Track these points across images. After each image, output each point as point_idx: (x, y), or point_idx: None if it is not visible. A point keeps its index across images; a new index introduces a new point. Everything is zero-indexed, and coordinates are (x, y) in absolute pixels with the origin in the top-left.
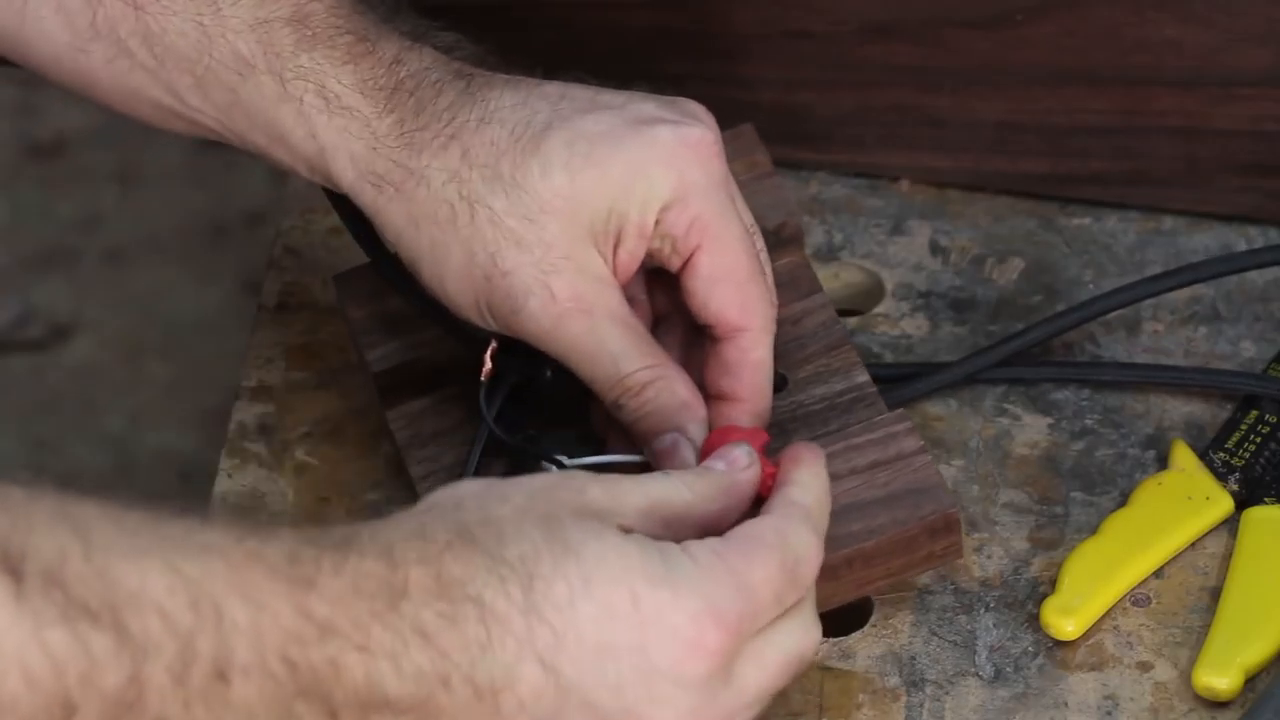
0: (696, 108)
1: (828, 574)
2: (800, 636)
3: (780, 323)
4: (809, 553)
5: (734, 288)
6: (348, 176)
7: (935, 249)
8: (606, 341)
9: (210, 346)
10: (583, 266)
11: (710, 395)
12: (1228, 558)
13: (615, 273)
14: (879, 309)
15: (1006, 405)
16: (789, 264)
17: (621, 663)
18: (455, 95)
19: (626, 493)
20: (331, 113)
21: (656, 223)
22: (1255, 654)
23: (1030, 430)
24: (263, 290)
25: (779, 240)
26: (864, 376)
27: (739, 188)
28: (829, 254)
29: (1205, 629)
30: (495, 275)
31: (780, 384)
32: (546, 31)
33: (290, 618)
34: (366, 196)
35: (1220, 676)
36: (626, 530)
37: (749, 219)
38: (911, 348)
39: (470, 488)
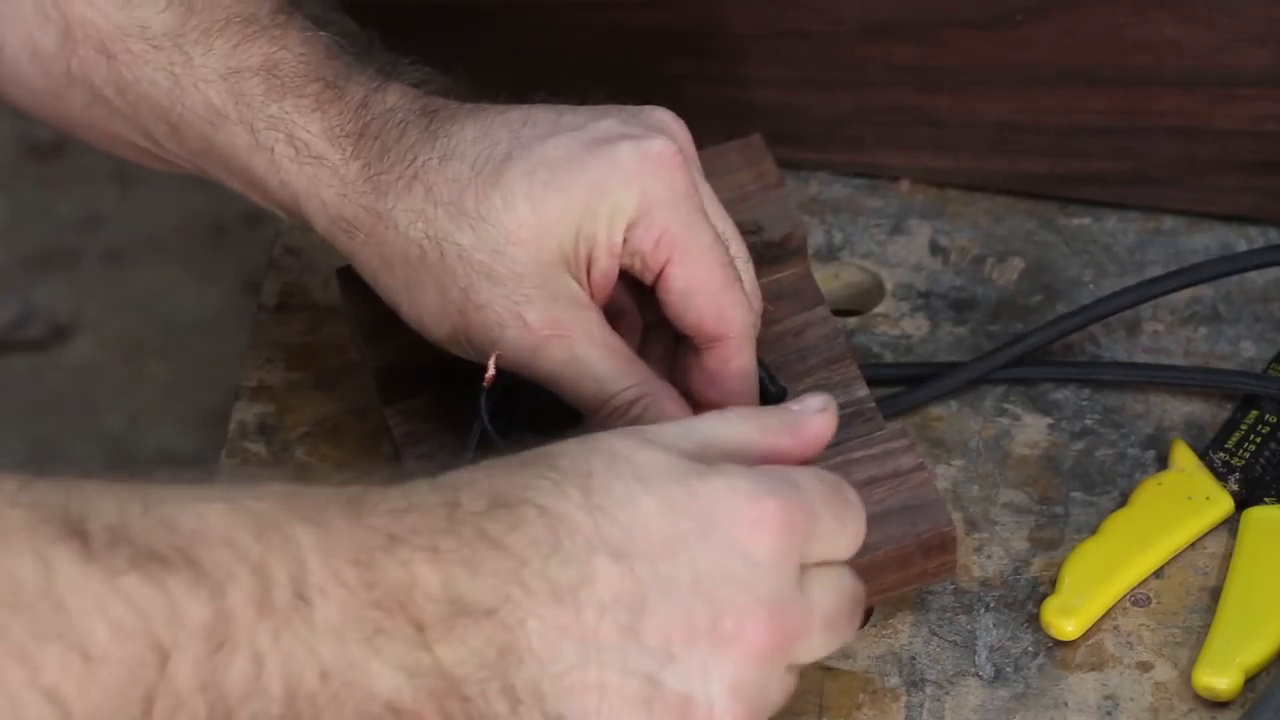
0: (663, 117)
1: None
2: (856, 582)
3: (782, 335)
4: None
5: (707, 298)
6: (320, 223)
7: (935, 249)
8: (588, 365)
9: (210, 346)
10: (556, 293)
11: (698, 404)
12: (1228, 558)
13: (592, 293)
14: (879, 309)
15: (1006, 405)
16: (793, 275)
17: (693, 550)
18: (418, 134)
19: (676, 436)
20: (301, 162)
21: (625, 240)
22: (1255, 654)
23: (1030, 430)
24: (263, 290)
25: (784, 251)
26: (864, 391)
27: (747, 197)
28: (829, 254)
29: (1205, 629)
30: (470, 310)
31: (780, 395)
32: (546, 32)
33: (355, 533)
34: (340, 242)
35: (1220, 676)
36: None
37: (723, 225)
38: (911, 348)
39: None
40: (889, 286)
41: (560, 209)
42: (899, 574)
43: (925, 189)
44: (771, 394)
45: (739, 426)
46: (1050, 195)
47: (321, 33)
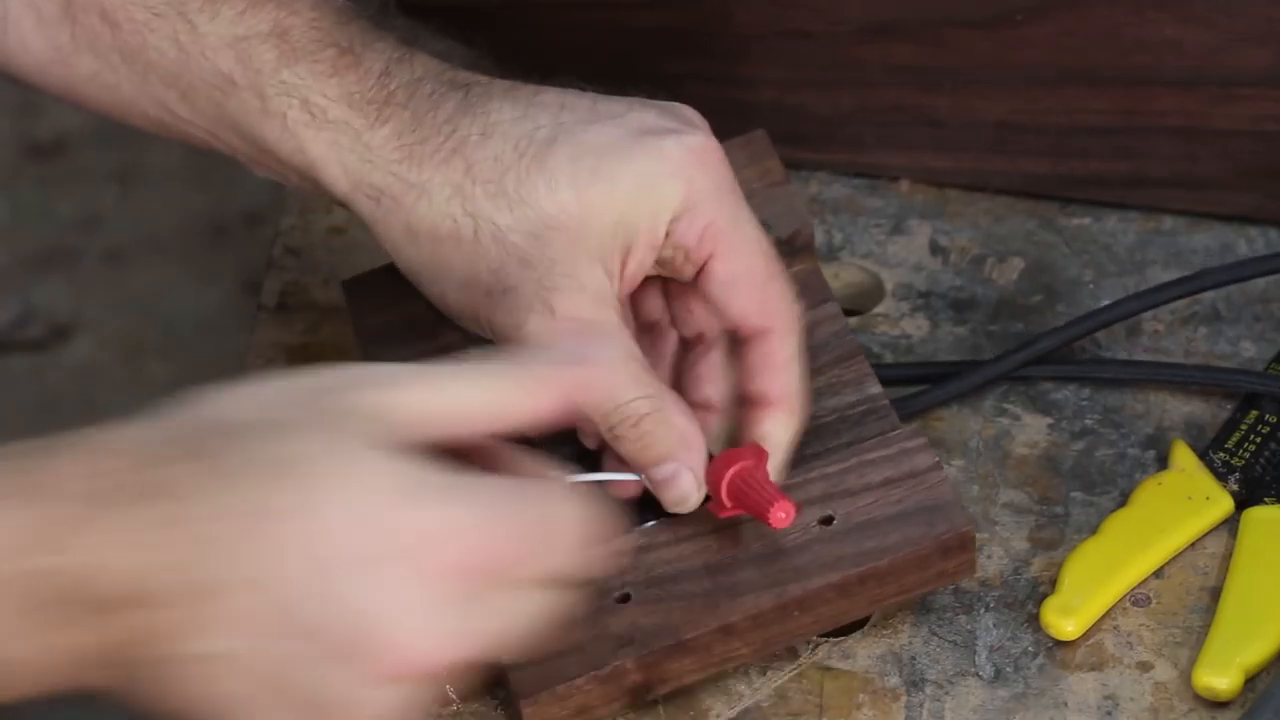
0: (692, 114)
1: (840, 591)
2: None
3: None
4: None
5: (754, 290)
6: (341, 187)
7: (935, 249)
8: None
9: (210, 346)
10: (584, 284)
11: (742, 400)
12: (1228, 558)
13: (622, 284)
14: (879, 309)
15: (1006, 405)
16: (801, 272)
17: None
18: (454, 107)
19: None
20: (319, 126)
21: (667, 234)
22: (1255, 654)
23: (1030, 430)
24: (263, 290)
25: (792, 248)
26: (876, 388)
27: (751, 195)
28: (829, 254)
29: (1205, 629)
30: (497, 291)
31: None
32: (546, 32)
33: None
34: (363, 207)
35: (1220, 676)
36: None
37: (756, 221)
38: (911, 348)
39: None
40: (889, 286)
41: (605, 197)
42: (919, 574)
43: (925, 189)
44: None
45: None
46: (1050, 195)
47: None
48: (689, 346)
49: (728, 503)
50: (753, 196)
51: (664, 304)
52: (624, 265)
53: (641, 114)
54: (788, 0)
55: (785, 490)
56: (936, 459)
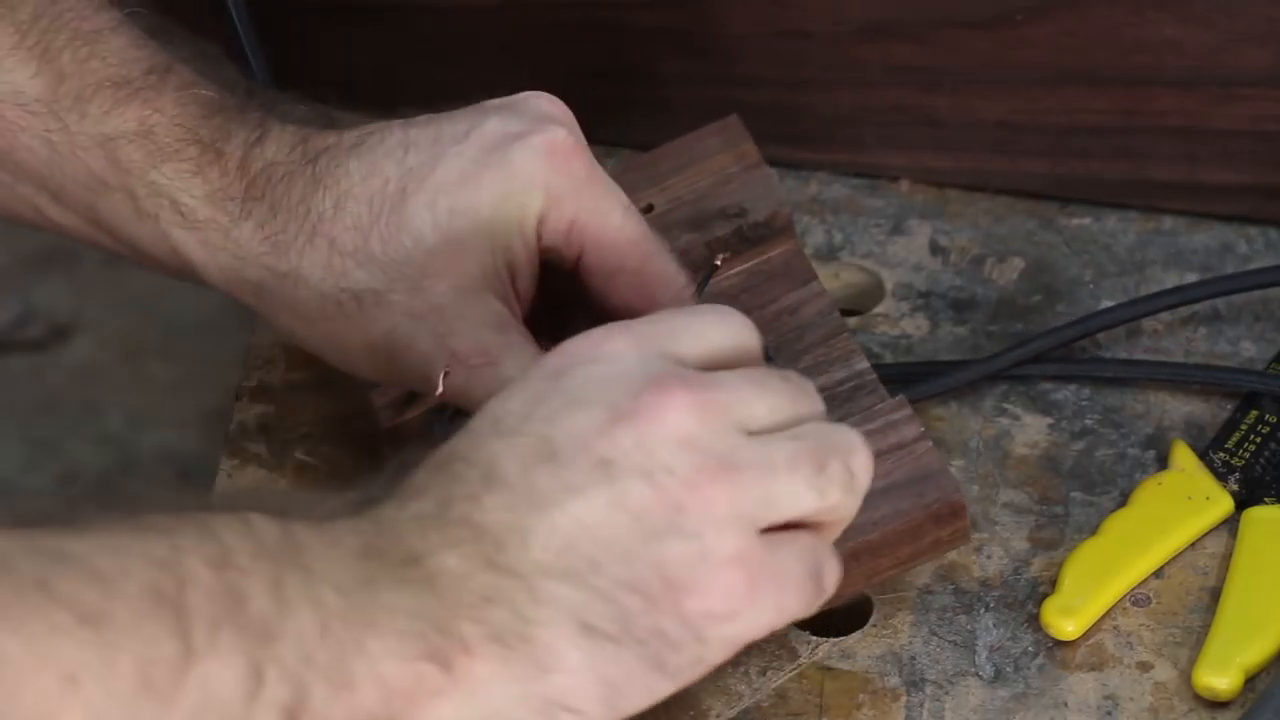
0: (540, 103)
1: None
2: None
3: (778, 314)
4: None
5: (628, 277)
6: (220, 286)
7: (935, 249)
8: None
9: (210, 346)
10: (480, 319)
11: None
12: (1228, 558)
13: (519, 298)
14: (879, 309)
15: (1006, 405)
16: (783, 253)
17: (554, 385)
18: (305, 185)
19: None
20: (189, 227)
21: (539, 237)
22: (1255, 654)
23: (1030, 430)
24: None
25: (770, 230)
26: (863, 363)
27: (728, 179)
28: (829, 254)
29: (1205, 629)
30: (397, 352)
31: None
32: (546, 32)
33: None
34: (247, 301)
35: (1220, 676)
36: None
37: (624, 203)
38: (911, 348)
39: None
40: (889, 286)
41: (470, 231)
42: (912, 545)
43: (925, 189)
44: None
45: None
46: (1050, 195)
47: (198, 90)
48: None
49: None
50: (730, 181)
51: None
52: (514, 285)
53: (483, 126)
54: (787, 0)
55: None
56: (922, 429)
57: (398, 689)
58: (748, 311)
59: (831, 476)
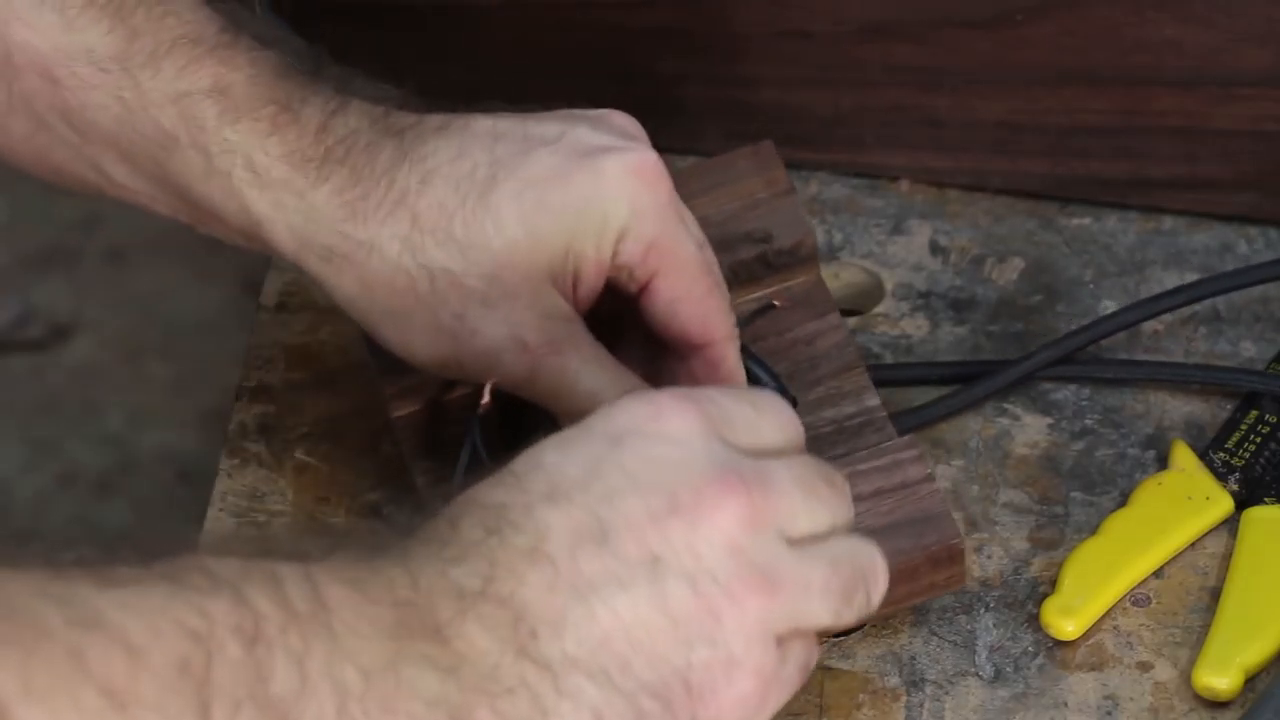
0: (626, 121)
1: None
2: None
3: (794, 343)
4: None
5: (693, 305)
6: (288, 248)
7: (935, 249)
8: (582, 379)
9: (210, 346)
10: (549, 311)
11: None
12: (1228, 558)
13: (577, 307)
14: (879, 309)
15: (1006, 405)
16: (804, 283)
17: (613, 460)
18: (390, 156)
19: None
20: (263, 186)
21: (614, 254)
22: (1255, 654)
23: (1030, 430)
24: (263, 290)
25: (795, 258)
26: (874, 400)
27: (757, 204)
28: (829, 254)
29: (1205, 629)
30: (463, 335)
31: (791, 404)
32: (545, 32)
33: (349, 566)
34: (313, 266)
35: (1220, 676)
36: None
37: (698, 233)
38: (911, 348)
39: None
40: (889, 286)
41: (550, 228)
42: (908, 586)
43: (925, 189)
44: None
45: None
46: (1050, 195)
47: (270, 52)
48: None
49: None
50: (758, 206)
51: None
52: (575, 291)
53: (576, 132)
54: (787, 0)
55: None
56: (929, 471)
57: None
58: (764, 338)
59: (854, 603)
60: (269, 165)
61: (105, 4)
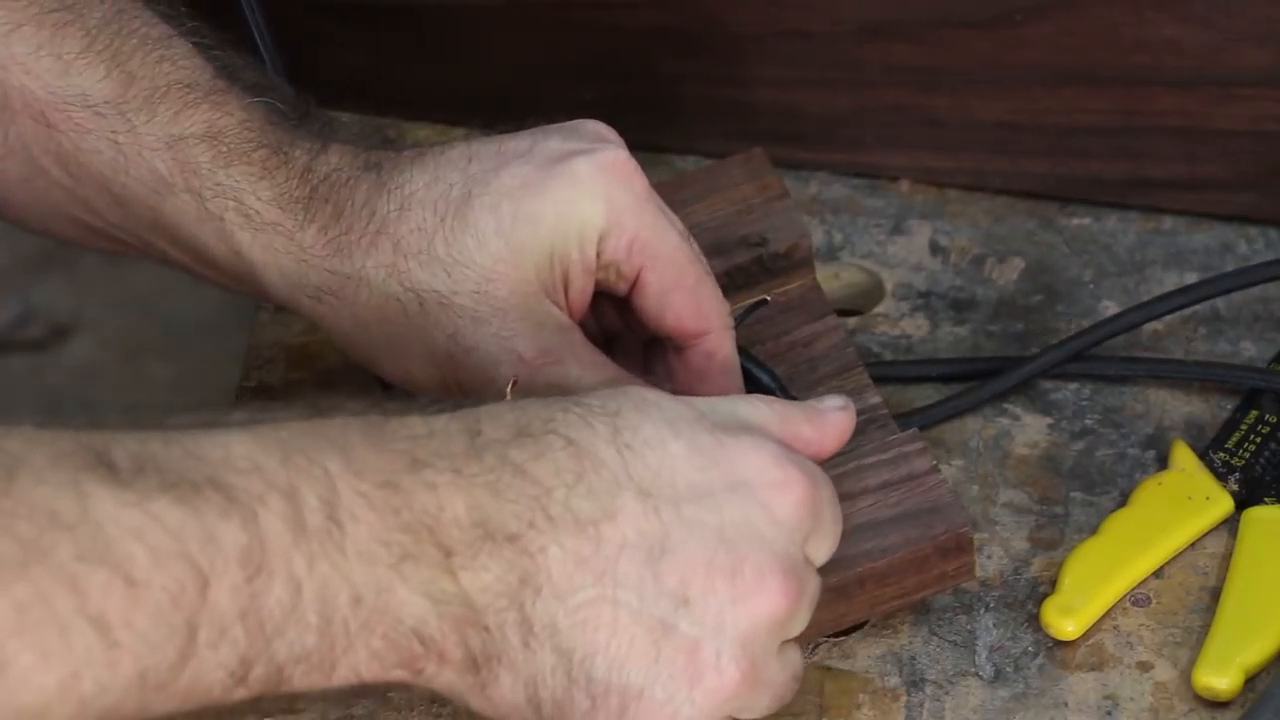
0: (598, 127)
1: (840, 593)
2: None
3: (792, 345)
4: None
5: (685, 295)
6: (281, 292)
7: (935, 249)
8: (580, 384)
9: (210, 346)
10: (542, 321)
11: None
12: (1228, 558)
13: (571, 313)
14: (879, 309)
15: (1006, 405)
16: (800, 287)
17: (719, 499)
18: (368, 189)
19: (701, 403)
20: (255, 229)
21: (598, 254)
22: (1255, 654)
23: (1030, 430)
24: None
25: (790, 262)
26: (876, 398)
27: (751, 209)
28: (829, 254)
29: (1205, 629)
30: (459, 354)
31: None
32: (545, 32)
33: (379, 457)
34: (306, 308)
35: (1220, 676)
36: None
37: (680, 225)
38: (911, 348)
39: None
40: (889, 286)
41: (531, 236)
42: (918, 576)
43: (925, 189)
44: None
45: (761, 409)
46: (1050, 195)
47: (261, 99)
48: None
49: None
50: (752, 211)
51: (618, 315)
52: (566, 295)
53: (546, 143)
54: (787, 0)
55: None
56: (934, 463)
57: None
58: (762, 341)
59: (785, 700)
60: (260, 209)
61: (102, 49)
